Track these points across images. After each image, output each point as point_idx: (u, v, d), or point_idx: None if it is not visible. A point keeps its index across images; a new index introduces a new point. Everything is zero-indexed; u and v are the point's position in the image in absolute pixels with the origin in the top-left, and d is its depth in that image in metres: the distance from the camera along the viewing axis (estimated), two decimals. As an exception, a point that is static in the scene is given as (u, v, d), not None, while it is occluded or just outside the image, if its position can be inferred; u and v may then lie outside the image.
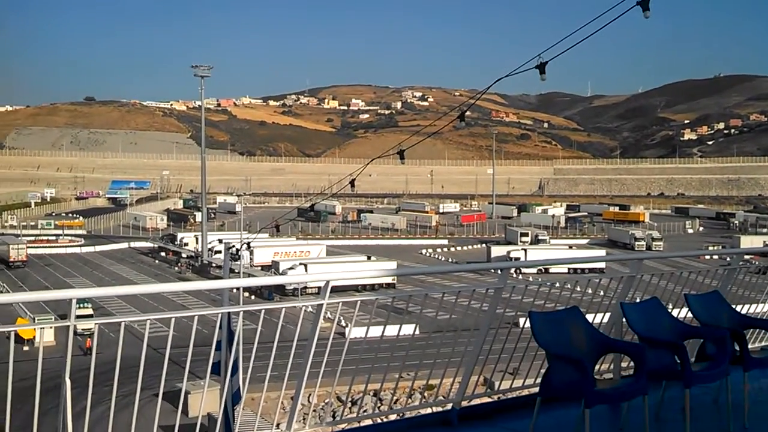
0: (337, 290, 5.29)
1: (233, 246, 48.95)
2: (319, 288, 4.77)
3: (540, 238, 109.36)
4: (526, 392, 6.30)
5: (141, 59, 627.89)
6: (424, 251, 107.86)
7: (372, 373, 5.95)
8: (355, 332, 5.61)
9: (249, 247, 51.45)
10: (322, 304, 5.09)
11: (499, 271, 6.66)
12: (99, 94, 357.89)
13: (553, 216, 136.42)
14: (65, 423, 4.37)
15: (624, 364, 6.33)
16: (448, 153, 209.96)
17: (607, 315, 6.70)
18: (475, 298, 6.26)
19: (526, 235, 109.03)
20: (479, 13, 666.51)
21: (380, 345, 5.39)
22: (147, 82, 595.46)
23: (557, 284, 7.18)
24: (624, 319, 5.89)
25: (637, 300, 6.49)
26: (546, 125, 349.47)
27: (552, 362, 5.13)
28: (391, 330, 5.92)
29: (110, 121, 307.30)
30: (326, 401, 35.88)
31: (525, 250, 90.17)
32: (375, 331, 6.38)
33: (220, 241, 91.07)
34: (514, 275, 62.55)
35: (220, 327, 6.83)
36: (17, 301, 4.49)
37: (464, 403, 5.92)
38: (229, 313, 6.88)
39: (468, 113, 12.20)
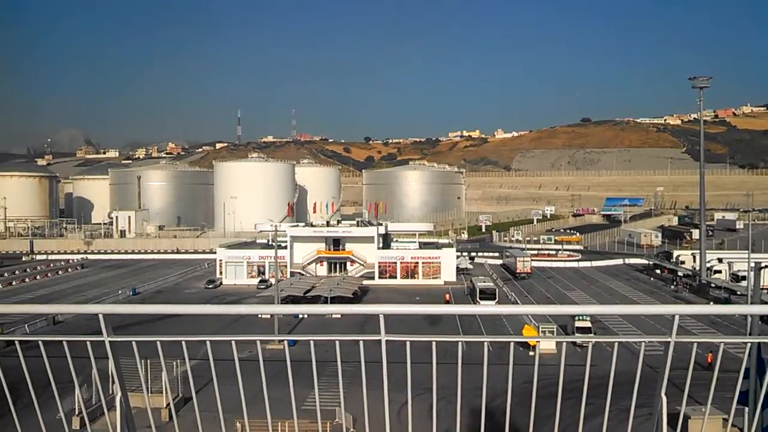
0: None
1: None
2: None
3: None
4: None
5: (634, 77, 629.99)
6: None
7: None
8: None
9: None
10: None
11: None
12: (594, 115, 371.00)
13: None
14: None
15: None
16: None
17: None
18: None
19: None
20: None
21: None
22: (640, 99, 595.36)
23: None
24: None
25: None
26: None
27: None
28: None
29: (605, 140, 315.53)
30: None
31: None
32: None
33: (720, 260, 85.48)
34: None
35: (749, 355, 6.37)
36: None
37: None
38: (759, 342, 6.41)
39: None
